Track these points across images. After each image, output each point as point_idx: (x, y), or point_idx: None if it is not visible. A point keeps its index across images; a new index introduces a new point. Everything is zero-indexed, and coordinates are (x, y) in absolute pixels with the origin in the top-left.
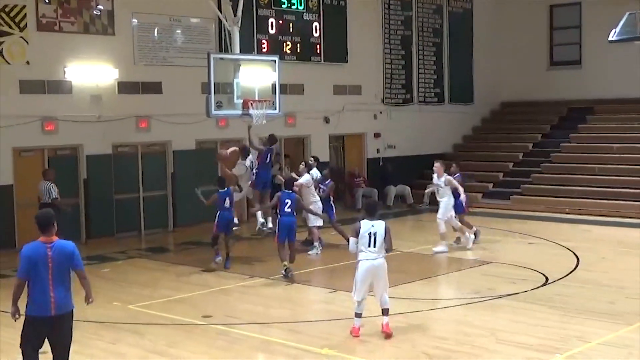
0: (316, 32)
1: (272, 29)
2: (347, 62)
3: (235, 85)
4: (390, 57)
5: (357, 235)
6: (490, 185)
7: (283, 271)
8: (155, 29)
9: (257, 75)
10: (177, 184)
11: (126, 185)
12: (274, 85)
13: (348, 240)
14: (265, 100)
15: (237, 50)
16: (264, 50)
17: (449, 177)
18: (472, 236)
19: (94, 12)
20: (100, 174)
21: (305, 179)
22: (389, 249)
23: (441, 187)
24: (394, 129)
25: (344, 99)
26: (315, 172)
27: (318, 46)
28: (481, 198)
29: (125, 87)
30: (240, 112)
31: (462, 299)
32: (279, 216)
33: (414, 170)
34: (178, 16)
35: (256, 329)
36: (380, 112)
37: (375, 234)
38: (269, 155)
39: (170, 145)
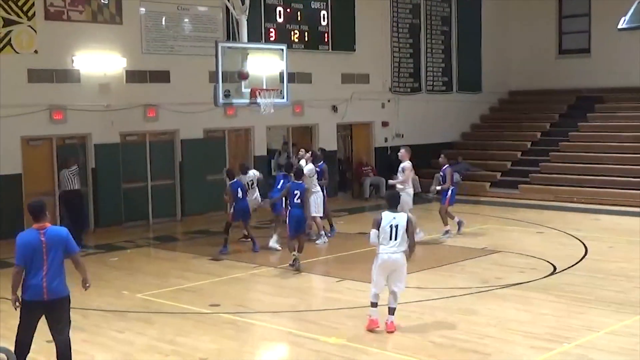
0: (324, 20)
1: (280, 17)
2: (355, 50)
3: None
4: (399, 45)
5: (377, 227)
6: (499, 175)
7: (291, 261)
8: (163, 18)
9: (264, 64)
10: (185, 173)
11: (134, 174)
12: (281, 74)
13: (332, 226)
14: (273, 89)
15: (245, 39)
16: (272, 39)
17: (407, 164)
18: (422, 234)
19: (102, 1)
20: (109, 163)
21: (307, 169)
22: (411, 245)
23: (400, 173)
24: (402, 118)
25: (352, 88)
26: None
27: (326, 35)
28: (489, 187)
29: (133, 76)
30: (248, 101)
31: (470, 288)
32: (289, 207)
33: (422, 159)
34: (186, 5)
35: (264, 317)
36: (388, 101)
37: (396, 227)
38: (281, 182)
39: (178, 134)
